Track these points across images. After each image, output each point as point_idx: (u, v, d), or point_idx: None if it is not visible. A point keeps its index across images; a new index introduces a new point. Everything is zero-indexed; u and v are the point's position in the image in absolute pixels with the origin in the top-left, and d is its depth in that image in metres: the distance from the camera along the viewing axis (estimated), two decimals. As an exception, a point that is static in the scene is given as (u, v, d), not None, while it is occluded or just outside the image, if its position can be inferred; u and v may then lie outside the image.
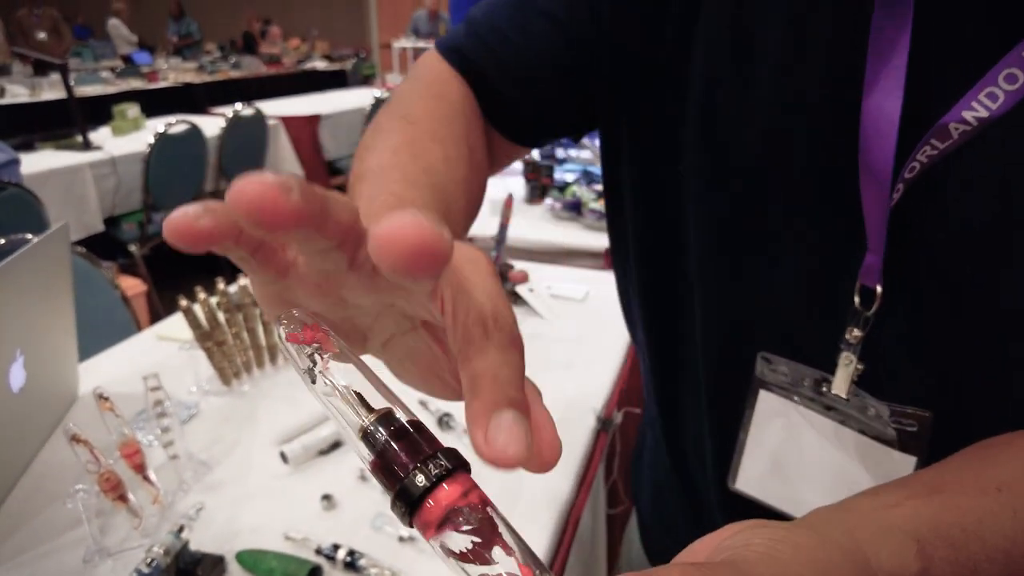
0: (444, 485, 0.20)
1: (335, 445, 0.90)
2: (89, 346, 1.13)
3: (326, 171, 4.39)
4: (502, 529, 0.20)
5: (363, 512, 0.79)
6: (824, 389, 0.43)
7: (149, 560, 0.66)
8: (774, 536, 0.22)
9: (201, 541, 0.74)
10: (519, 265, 1.45)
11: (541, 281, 1.41)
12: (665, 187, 0.49)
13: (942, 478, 0.32)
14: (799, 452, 0.45)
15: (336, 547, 0.72)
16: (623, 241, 0.56)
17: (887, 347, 0.40)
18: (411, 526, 0.21)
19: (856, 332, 0.40)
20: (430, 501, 0.20)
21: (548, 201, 2.00)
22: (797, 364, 0.44)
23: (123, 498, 0.74)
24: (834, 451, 0.44)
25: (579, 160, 2.33)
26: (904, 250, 0.38)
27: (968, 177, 0.35)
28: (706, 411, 0.52)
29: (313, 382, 0.22)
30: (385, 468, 0.21)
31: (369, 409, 0.22)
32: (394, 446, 0.21)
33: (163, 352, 1.18)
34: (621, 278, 0.60)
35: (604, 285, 1.43)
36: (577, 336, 1.23)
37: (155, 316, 2.47)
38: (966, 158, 0.35)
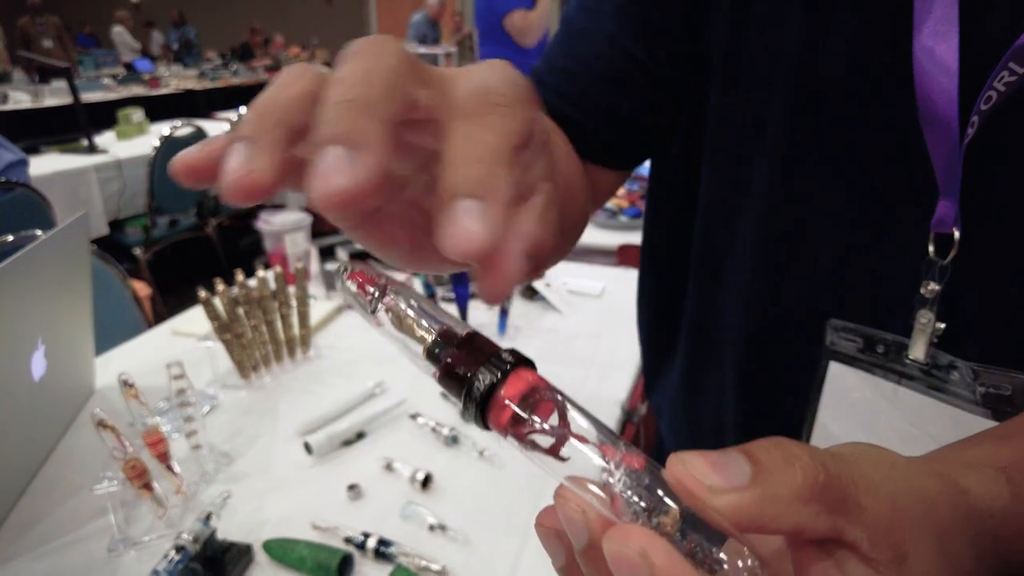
0: (509, 380, 0.21)
1: (359, 435, 0.88)
2: (100, 343, 1.11)
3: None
4: (573, 413, 0.21)
5: (391, 502, 0.77)
6: (899, 355, 0.39)
7: (177, 546, 0.65)
8: (868, 449, 0.22)
9: (227, 531, 0.72)
10: (534, 261, 1.44)
11: (557, 277, 1.40)
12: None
13: (1016, 426, 0.31)
14: (878, 429, 0.41)
15: (366, 536, 0.70)
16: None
17: (969, 301, 0.37)
18: (486, 427, 0.22)
19: (932, 286, 0.36)
20: (505, 399, 0.21)
21: (558, 201, 1.99)
22: (870, 329, 0.40)
23: (148, 487, 0.72)
24: (918, 426, 0.39)
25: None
26: (982, 191, 0.35)
27: None
28: (731, 388, 0.50)
29: (374, 312, 0.24)
30: (450, 375, 0.22)
31: (429, 330, 0.23)
32: (456, 354, 0.22)
33: (179, 347, 1.17)
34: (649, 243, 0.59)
35: (620, 281, 1.43)
36: (596, 331, 1.22)
37: (159, 321, 2.44)
38: None
